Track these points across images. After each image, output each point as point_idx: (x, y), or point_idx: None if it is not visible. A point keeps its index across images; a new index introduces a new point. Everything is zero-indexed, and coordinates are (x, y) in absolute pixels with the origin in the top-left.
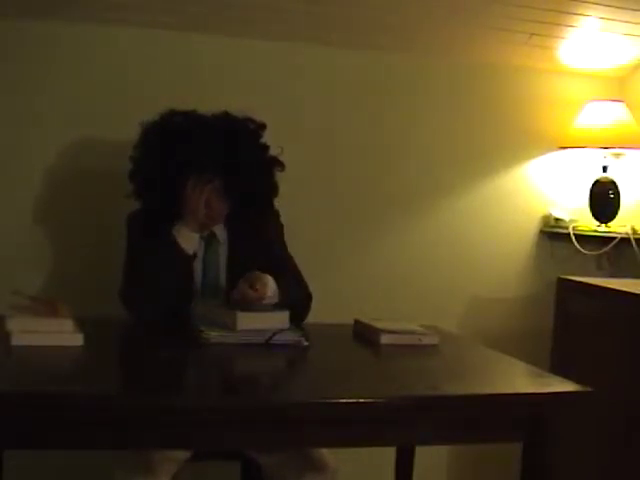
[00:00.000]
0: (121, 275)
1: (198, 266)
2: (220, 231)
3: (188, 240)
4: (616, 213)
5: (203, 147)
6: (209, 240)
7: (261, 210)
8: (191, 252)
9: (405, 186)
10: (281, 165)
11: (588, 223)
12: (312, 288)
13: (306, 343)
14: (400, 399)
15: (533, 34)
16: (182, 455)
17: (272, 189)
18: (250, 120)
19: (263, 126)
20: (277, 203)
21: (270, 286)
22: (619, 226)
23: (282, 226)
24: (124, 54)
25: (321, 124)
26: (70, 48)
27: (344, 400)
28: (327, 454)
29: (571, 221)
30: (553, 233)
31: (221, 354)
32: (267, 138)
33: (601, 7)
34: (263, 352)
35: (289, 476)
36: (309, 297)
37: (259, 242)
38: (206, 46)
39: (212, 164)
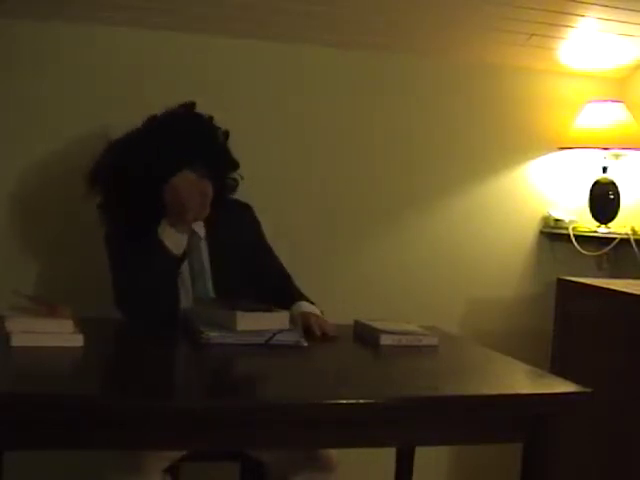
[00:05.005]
0: (112, 285)
1: (184, 264)
2: (199, 227)
3: (176, 241)
4: (616, 214)
5: (185, 141)
6: (190, 236)
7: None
8: (180, 252)
9: (404, 187)
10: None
11: (588, 224)
12: (312, 289)
13: (306, 344)
14: (400, 400)
15: (533, 35)
16: (174, 453)
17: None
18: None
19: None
20: (275, 205)
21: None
22: (619, 227)
23: (259, 223)
24: (124, 55)
25: (320, 124)
26: (70, 48)
27: (344, 401)
28: (333, 452)
29: (571, 222)
30: (553, 234)
31: (221, 355)
32: (268, 137)
33: (601, 8)
34: (263, 353)
35: (296, 474)
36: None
37: (238, 238)
38: (205, 46)
39: (196, 156)
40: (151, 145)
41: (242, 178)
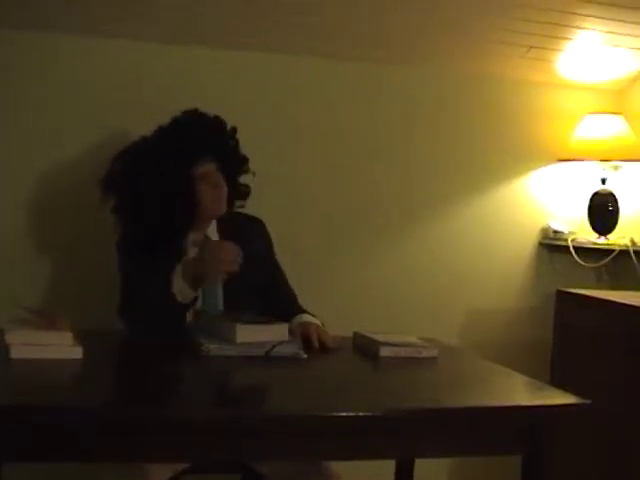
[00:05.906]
0: (119, 292)
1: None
2: (213, 234)
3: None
4: (615, 225)
5: (196, 142)
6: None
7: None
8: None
9: (404, 198)
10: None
11: (587, 235)
12: (311, 300)
13: (305, 355)
14: (400, 412)
15: (532, 47)
16: (177, 464)
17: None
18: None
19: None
20: (276, 216)
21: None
22: (618, 238)
23: (270, 239)
24: (123, 67)
25: (319, 136)
26: (68, 60)
27: (344, 413)
28: (334, 464)
29: (570, 233)
30: (552, 245)
31: (220, 366)
32: (266, 149)
33: (599, 20)
34: (263, 364)
35: None
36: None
37: (248, 250)
38: (203, 59)
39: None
40: (162, 152)
41: (254, 174)
